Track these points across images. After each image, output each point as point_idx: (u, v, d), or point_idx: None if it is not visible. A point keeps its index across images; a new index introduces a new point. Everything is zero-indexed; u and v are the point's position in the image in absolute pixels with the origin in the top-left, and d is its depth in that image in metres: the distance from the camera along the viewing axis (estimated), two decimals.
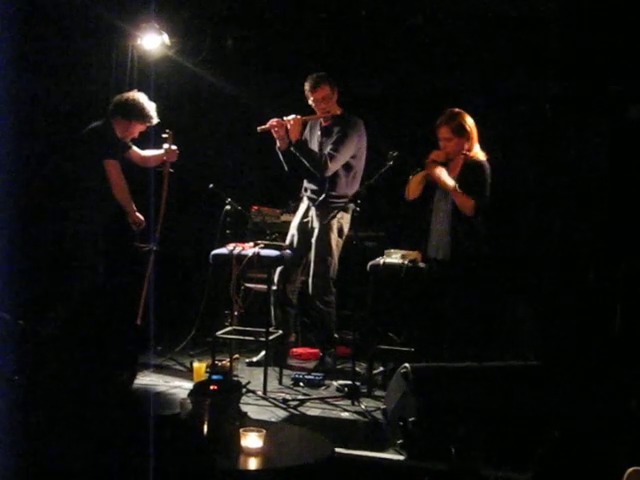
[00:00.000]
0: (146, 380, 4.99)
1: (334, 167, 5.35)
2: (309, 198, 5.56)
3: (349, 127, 5.41)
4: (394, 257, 4.96)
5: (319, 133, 5.51)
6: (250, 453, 3.09)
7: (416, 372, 3.95)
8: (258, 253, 5.03)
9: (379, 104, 6.42)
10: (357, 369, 5.07)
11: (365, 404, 4.64)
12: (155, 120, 5.32)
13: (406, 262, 4.89)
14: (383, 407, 4.29)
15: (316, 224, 5.47)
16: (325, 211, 5.41)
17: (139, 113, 5.24)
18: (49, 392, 4.25)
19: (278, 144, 5.45)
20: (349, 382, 4.86)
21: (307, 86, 5.42)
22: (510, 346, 5.34)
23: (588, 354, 5.05)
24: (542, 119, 5.81)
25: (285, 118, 5.34)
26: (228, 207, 5.59)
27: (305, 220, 5.56)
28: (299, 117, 5.35)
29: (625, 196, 5.40)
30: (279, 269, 5.47)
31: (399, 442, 3.89)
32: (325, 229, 5.40)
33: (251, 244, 5.18)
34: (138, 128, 5.32)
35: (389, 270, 4.92)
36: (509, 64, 5.88)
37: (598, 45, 5.41)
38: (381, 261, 4.98)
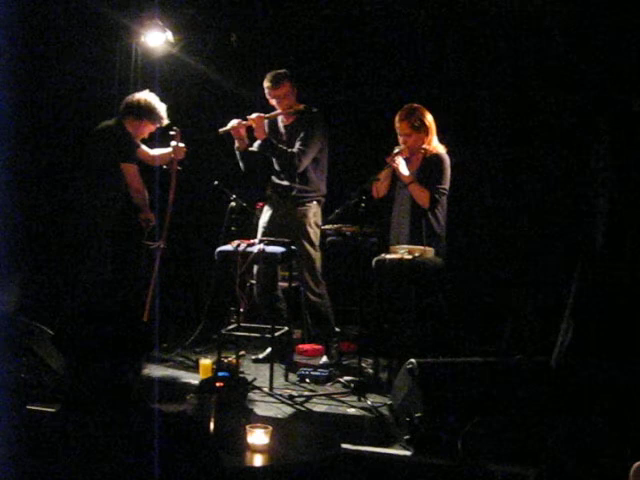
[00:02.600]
0: (152, 377, 5.00)
1: (306, 163, 5.37)
2: (281, 195, 5.53)
3: (314, 122, 5.42)
4: (399, 252, 4.96)
5: (283, 132, 5.52)
6: (256, 450, 3.09)
7: (422, 367, 3.95)
8: (263, 250, 5.03)
9: (383, 99, 6.42)
10: (363, 365, 5.07)
11: (371, 400, 4.64)
12: (165, 121, 5.33)
13: (411, 257, 4.89)
14: (389, 403, 4.29)
15: (293, 220, 5.46)
16: (297, 205, 5.43)
17: (151, 114, 5.25)
18: (55, 389, 4.27)
19: (237, 144, 5.46)
20: (355, 378, 4.86)
21: (268, 84, 5.40)
22: (516, 342, 5.33)
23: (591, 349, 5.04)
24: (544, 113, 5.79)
25: (248, 117, 5.36)
26: (233, 204, 5.59)
27: (279, 217, 5.53)
28: (262, 115, 5.37)
29: (627, 188, 5.38)
30: (256, 267, 5.47)
31: (406, 438, 3.89)
32: (303, 224, 5.42)
33: (256, 241, 5.18)
34: (149, 128, 5.33)
35: (394, 265, 4.92)
36: (509, 59, 5.86)
37: (599, 38, 5.39)
38: (386, 257, 4.98)
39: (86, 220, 5.19)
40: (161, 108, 5.29)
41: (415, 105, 5.12)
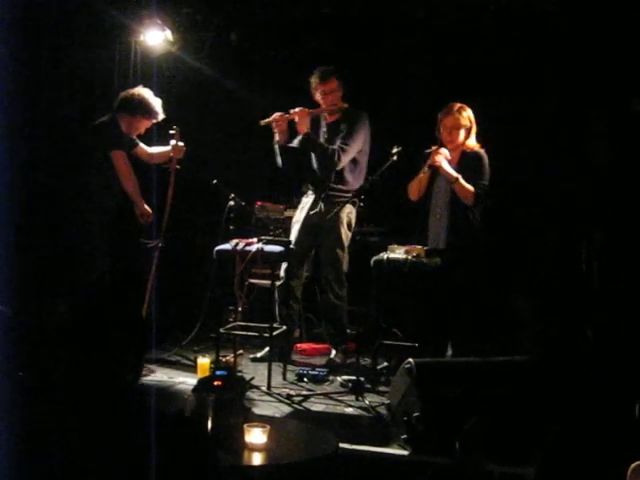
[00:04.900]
0: (150, 376, 5.01)
1: (345, 160, 5.35)
2: (316, 192, 5.52)
3: (357, 121, 5.41)
4: (398, 252, 4.96)
5: (324, 129, 5.50)
6: (254, 449, 3.09)
7: (420, 367, 3.95)
8: (262, 249, 5.03)
9: (383, 99, 6.42)
10: (361, 364, 5.08)
11: (369, 399, 4.64)
12: (161, 116, 5.32)
13: (410, 257, 4.89)
14: (387, 402, 4.29)
15: (325, 218, 5.41)
16: (332, 205, 5.38)
17: (144, 109, 5.24)
18: (53, 388, 4.26)
19: (277, 138, 5.43)
20: (353, 377, 4.86)
21: (316, 78, 5.41)
22: (513, 341, 5.34)
23: (588, 348, 5.05)
24: (543, 113, 5.80)
25: (291, 111, 5.33)
26: (232, 203, 5.59)
27: (312, 214, 5.50)
28: (306, 109, 5.35)
29: (627, 187, 5.40)
30: (284, 265, 5.46)
31: (403, 437, 3.89)
32: (335, 223, 5.36)
33: (255, 240, 5.18)
34: (144, 124, 5.32)
35: (393, 265, 4.92)
36: (509, 58, 5.87)
37: (599, 37, 5.40)
38: (385, 256, 4.98)
39: (83, 217, 5.20)
40: (156, 103, 5.27)
41: (460, 104, 5.09)
